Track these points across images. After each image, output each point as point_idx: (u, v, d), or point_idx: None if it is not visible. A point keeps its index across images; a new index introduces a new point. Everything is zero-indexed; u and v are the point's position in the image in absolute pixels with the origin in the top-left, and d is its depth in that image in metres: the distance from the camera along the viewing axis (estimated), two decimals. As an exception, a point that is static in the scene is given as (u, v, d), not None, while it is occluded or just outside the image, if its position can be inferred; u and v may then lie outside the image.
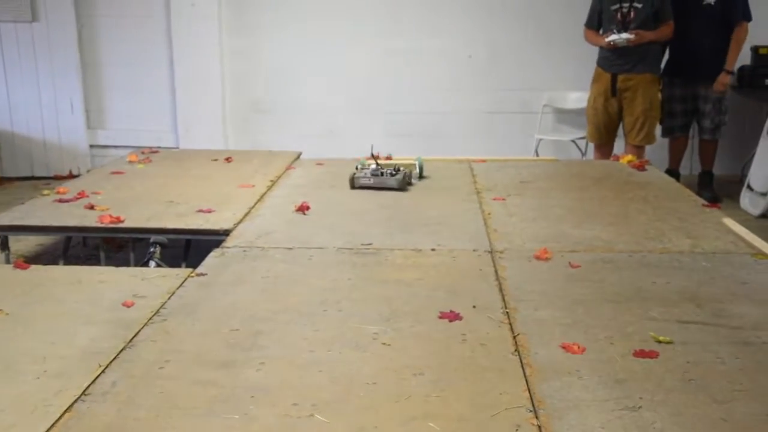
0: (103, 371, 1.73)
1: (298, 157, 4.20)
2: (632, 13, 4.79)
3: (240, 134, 6.04)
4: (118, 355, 1.82)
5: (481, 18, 5.79)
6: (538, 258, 2.49)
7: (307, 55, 5.89)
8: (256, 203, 3.19)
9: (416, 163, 3.64)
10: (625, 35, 4.74)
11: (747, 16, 4.96)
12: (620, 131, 5.09)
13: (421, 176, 3.61)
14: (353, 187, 3.40)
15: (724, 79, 5.00)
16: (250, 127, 6.05)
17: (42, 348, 1.86)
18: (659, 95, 5.01)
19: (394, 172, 3.42)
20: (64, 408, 1.58)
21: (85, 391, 1.65)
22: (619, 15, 4.81)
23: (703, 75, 5.03)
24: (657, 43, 4.89)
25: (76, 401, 1.61)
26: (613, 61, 4.88)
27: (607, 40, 4.80)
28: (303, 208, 3.02)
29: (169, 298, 2.16)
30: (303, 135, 5.87)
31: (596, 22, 4.97)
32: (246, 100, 6.02)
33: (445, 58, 5.84)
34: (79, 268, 2.64)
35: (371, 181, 3.39)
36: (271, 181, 3.59)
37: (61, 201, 3.22)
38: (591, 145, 5.32)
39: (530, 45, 5.77)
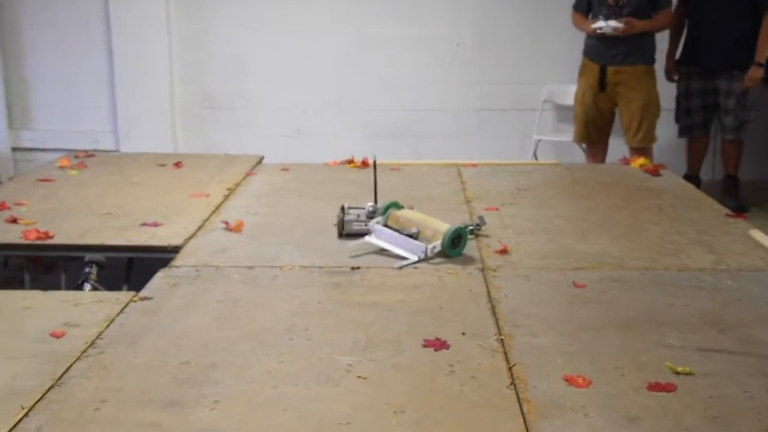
0: (26, 414, 1.71)
1: (260, 161, 4.20)
2: None
3: (191, 135, 6.04)
4: (44, 395, 1.79)
5: (470, 1, 5.84)
6: (499, 253, 2.68)
7: (269, 43, 5.90)
8: (210, 215, 3.18)
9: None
10: (613, 23, 4.78)
11: None
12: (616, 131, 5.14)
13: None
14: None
15: (755, 74, 5.02)
16: (204, 127, 6.04)
17: (-45, 387, 1.83)
18: (657, 88, 5.04)
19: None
20: (-19, 457, 1.56)
21: (5, 437, 1.63)
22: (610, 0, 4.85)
23: (726, 66, 5.09)
24: (651, 33, 4.93)
25: (-5, 449, 1.59)
26: (601, 51, 4.92)
27: (593, 26, 4.85)
28: (236, 227, 2.97)
29: (107, 327, 2.14)
30: (265, 136, 5.89)
31: (585, 6, 5.02)
32: (199, 95, 6.02)
33: (429, 47, 5.88)
34: (-1, 292, 2.61)
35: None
36: (229, 189, 3.59)
37: (-22, 214, 3.18)
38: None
39: (527, 32, 5.83)
